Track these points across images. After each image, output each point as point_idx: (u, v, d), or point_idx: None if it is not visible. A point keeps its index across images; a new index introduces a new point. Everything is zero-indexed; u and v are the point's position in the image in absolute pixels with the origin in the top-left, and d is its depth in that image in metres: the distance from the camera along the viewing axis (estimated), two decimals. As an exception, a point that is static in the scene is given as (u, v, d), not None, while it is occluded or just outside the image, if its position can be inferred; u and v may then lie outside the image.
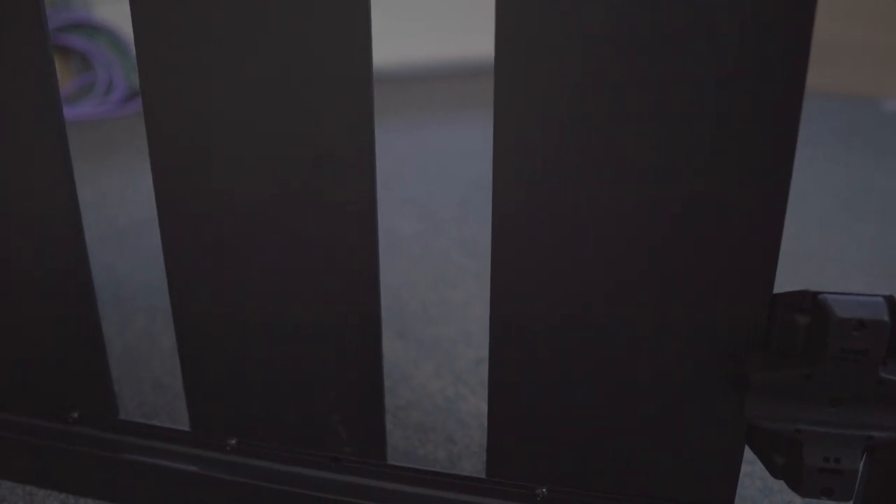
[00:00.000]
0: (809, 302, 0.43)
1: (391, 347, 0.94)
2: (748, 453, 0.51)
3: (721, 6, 0.40)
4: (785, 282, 1.21)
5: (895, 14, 2.90)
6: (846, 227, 1.41)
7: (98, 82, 2.65)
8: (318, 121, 0.49)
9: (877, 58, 2.96)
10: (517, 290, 0.49)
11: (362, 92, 0.48)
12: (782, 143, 0.42)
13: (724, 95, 0.41)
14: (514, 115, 0.45)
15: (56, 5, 2.67)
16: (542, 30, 0.43)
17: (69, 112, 2.56)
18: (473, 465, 0.71)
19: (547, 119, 0.45)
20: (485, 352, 0.71)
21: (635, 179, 0.45)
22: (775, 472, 0.48)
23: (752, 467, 0.68)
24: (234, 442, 0.61)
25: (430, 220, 1.46)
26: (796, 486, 0.46)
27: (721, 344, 0.47)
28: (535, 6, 0.42)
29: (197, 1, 0.48)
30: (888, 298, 0.42)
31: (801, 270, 1.19)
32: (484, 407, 0.78)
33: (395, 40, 3.67)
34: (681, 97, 0.42)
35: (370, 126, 0.49)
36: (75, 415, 0.65)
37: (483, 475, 0.56)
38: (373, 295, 0.53)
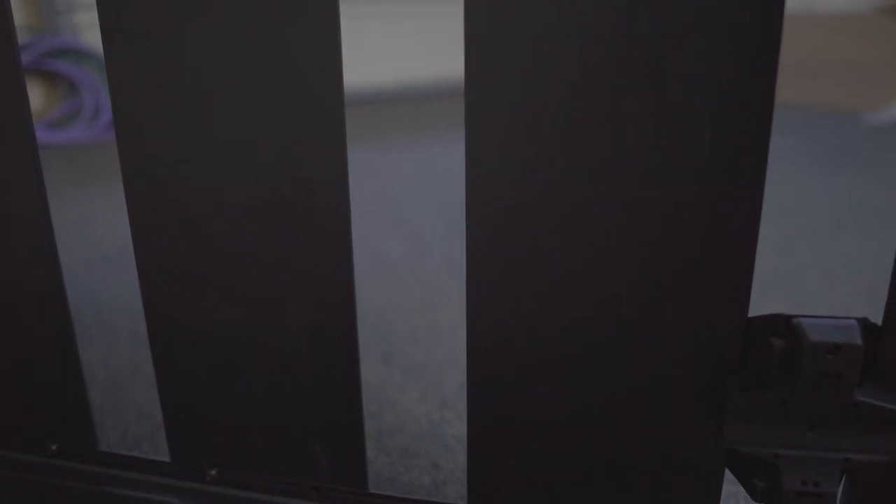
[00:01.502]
0: (783, 325, 0.44)
1: (376, 371, 0.94)
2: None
3: (693, 39, 0.40)
4: (770, 296, 1.21)
5: (874, 32, 2.95)
6: (831, 241, 1.42)
7: (85, 107, 2.65)
8: (292, 148, 0.49)
9: (858, 73, 3.00)
10: (494, 317, 0.49)
11: (334, 119, 0.48)
12: (752, 169, 0.42)
13: (692, 126, 0.42)
14: (485, 139, 0.45)
15: (44, 31, 2.68)
16: (512, 52, 0.43)
17: (56, 136, 2.56)
18: (458, 490, 0.70)
19: (517, 143, 0.45)
20: (468, 376, 0.71)
21: (608, 205, 0.45)
22: (755, 495, 0.48)
23: (735, 487, 0.68)
24: (214, 472, 0.61)
25: (418, 241, 1.47)
26: (776, 509, 0.46)
27: (698, 368, 0.47)
28: (504, 30, 0.43)
29: (170, 31, 0.49)
30: (862, 321, 0.42)
31: (786, 284, 1.20)
32: (469, 431, 0.78)
33: (387, 60, 3.70)
34: (651, 126, 0.43)
35: (343, 153, 0.49)
36: (54, 447, 0.64)
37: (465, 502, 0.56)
38: (350, 322, 0.53)
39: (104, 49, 0.50)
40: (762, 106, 0.41)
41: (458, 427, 0.81)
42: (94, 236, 1.54)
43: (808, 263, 1.30)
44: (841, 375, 0.41)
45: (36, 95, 2.75)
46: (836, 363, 0.41)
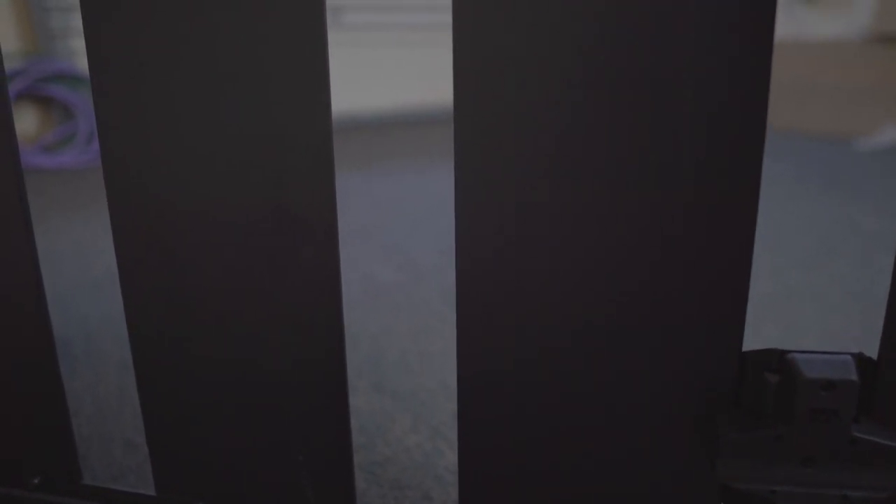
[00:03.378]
0: (778, 360, 0.43)
1: (368, 400, 0.93)
2: (725, 513, 0.50)
3: (683, 60, 0.40)
4: (764, 322, 1.21)
5: (863, 58, 2.98)
6: (825, 266, 1.42)
7: (79, 132, 2.65)
8: (279, 176, 0.49)
9: (848, 99, 3.03)
10: (483, 345, 0.49)
11: (322, 147, 0.48)
12: (745, 200, 0.42)
13: (682, 157, 0.42)
14: (475, 164, 0.45)
15: (39, 56, 2.69)
16: (501, 78, 0.43)
17: (50, 161, 2.56)
18: (450, 524, 0.69)
19: (506, 169, 0.45)
20: (460, 407, 0.70)
21: (599, 236, 0.44)
22: (752, 533, 0.47)
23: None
24: (200, 507, 0.59)
25: (411, 268, 1.46)
26: (773, 547, 0.45)
27: (691, 402, 0.46)
28: (492, 56, 0.43)
29: (157, 59, 0.48)
30: (857, 357, 0.42)
31: (779, 310, 1.19)
32: (461, 462, 0.77)
33: (378, 86, 3.72)
34: (642, 157, 0.42)
35: (331, 181, 0.48)
36: (36, 480, 0.63)
37: (456, 539, 0.55)
38: (339, 353, 0.52)
39: (91, 76, 0.50)
40: (753, 137, 0.41)
41: (449, 458, 0.80)
42: (85, 262, 1.53)
43: (802, 289, 1.30)
44: (837, 412, 0.41)
45: (30, 120, 2.75)
46: (831, 400, 0.40)
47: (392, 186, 2.21)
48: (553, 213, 0.45)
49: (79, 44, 2.79)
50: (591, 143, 0.43)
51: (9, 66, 2.62)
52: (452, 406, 0.91)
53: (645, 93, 0.41)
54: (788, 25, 3.62)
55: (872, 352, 1.05)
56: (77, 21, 2.76)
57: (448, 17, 3.77)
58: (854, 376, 0.40)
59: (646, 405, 0.47)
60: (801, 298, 1.26)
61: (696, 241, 0.43)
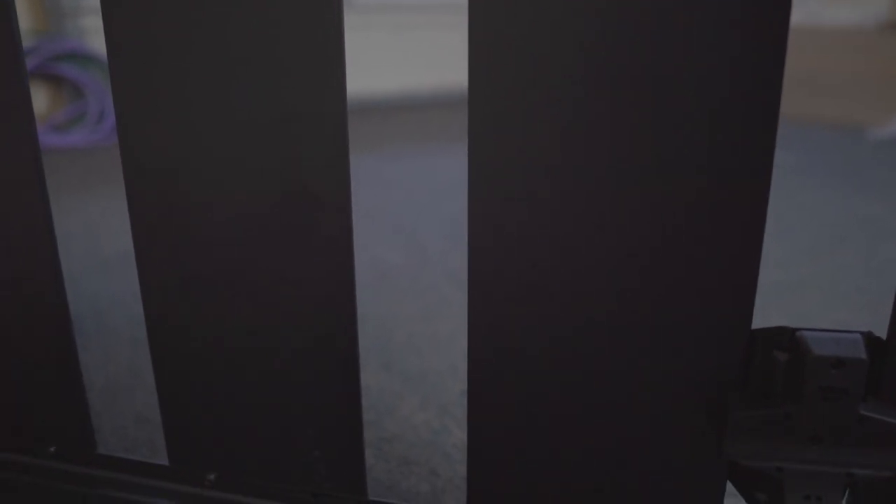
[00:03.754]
0: (788, 339, 0.43)
1: (376, 380, 0.93)
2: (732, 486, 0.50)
3: (696, 58, 0.41)
4: (772, 311, 1.20)
5: (878, 47, 2.95)
6: (833, 256, 1.42)
7: (90, 111, 2.66)
8: (294, 157, 0.49)
9: (861, 88, 3.01)
10: (494, 327, 0.49)
11: (337, 128, 0.48)
12: (755, 181, 0.42)
13: (695, 140, 0.42)
14: (488, 148, 0.45)
15: (50, 35, 2.69)
16: (515, 62, 0.43)
17: (60, 140, 2.57)
18: (457, 498, 0.70)
19: (520, 153, 0.45)
20: (469, 385, 0.70)
21: (611, 217, 0.45)
22: (757, 509, 0.47)
23: (737, 500, 0.67)
24: (213, 477, 0.60)
25: (419, 250, 1.46)
26: (778, 524, 0.45)
27: (700, 380, 0.47)
28: (507, 40, 0.43)
29: (174, 39, 0.49)
30: (866, 335, 0.42)
31: (788, 299, 1.20)
32: (469, 440, 0.77)
33: (393, 68, 3.71)
34: (655, 139, 0.42)
35: (345, 162, 0.49)
36: (52, 449, 0.64)
37: (465, 512, 0.56)
38: (350, 331, 0.53)
39: (108, 56, 0.50)
40: (766, 121, 0.41)
41: (457, 435, 0.80)
42: (96, 241, 1.54)
43: (810, 278, 1.30)
44: (845, 390, 0.41)
45: (41, 99, 2.75)
46: (840, 378, 0.41)
47: (401, 169, 2.21)
48: (565, 197, 0.45)
49: (89, 22, 2.79)
50: (605, 128, 0.43)
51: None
52: (460, 386, 0.91)
53: (659, 81, 0.41)
54: (802, 12, 3.59)
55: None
56: (88, 0, 2.75)
57: (461, 0, 3.75)
58: (863, 354, 0.41)
59: (655, 384, 0.48)
60: (808, 288, 1.26)
61: (708, 221, 0.43)
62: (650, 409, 0.49)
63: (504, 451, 0.53)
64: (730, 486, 0.69)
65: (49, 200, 0.57)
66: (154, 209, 0.54)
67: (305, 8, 0.46)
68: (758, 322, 1.12)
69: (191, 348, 0.57)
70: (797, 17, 3.57)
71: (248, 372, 0.56)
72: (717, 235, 0.43)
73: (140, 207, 0.54)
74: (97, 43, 2.82)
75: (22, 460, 0.65)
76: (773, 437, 0.45)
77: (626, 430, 0.50)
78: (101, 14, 0.50)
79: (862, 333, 0.42)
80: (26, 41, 2.64)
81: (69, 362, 0.61)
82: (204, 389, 0.58)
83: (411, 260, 1.40)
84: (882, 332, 1.08)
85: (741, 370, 0.46)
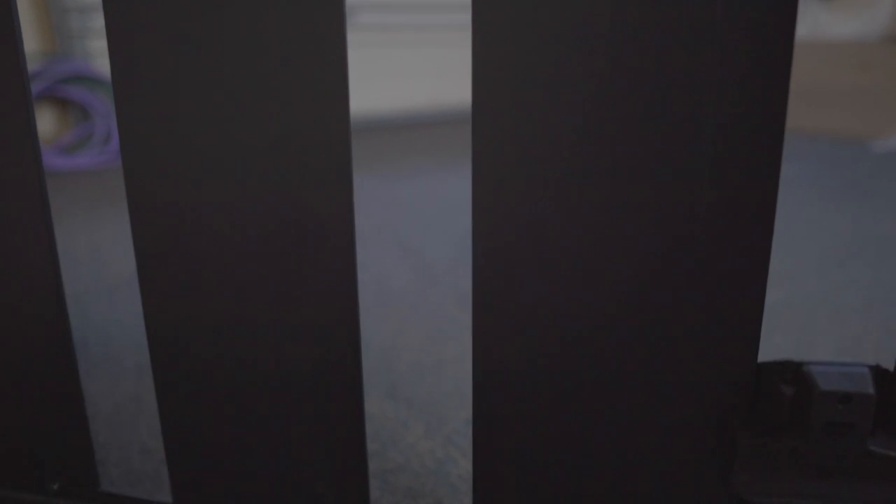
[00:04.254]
0: (793, 372, 0.43)
1: (381, 407, 0.93)
2: (740, 524, 0.49)
3: (700, 75, 0.40)
4: (778, 329, 1.19)
5: (880, 60, 2.95)
6: (840, 271, 1.41)
7: (96, 133, 2.68)
8: (298, 181, 0.49)
9: (864, 101, 3.00)
10: (500, 355, 0.49)
11: (341, 152, 0.48)
12: (762, 210, 0.42)
13: (700, 162, 0.42)
14: (492, 166, 0.45)
15: (57, 57, 2.72)
16: (519, 79, 0.43)
17: (67, 162, 2.58)
18: (463, 531, 0.69)
19: (524, 172, 0.45)
20: (474, 414, 0.70)
21: (616, 243, 0.44)
22: (767, 545, 0.47)
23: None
24: (216, 513, 0.60)
25: (425, 270, 1.46)
26: (788, 561, 0.45)
27: (706, 413, 0.46)
28: (511, 57, 0.43)
29: (177, 63, 0.49)
30: (874, 369, 0.42)
31: (794, 317, 1.19)
32: (475, 469, 0.77)
33: (396, 85, 3.73)
34: (658, 160, 0.42)
35: (349, 186, 0.49)
36: (56, 486, 0.63)
37: (470, 547, 0.55)
38: (354, 361, 0.53)
39: (113, 81, 0.50)
40: (771, 143, 0.41)
41: (463, 465, 0.80)
42: (102, 265, 1.54)
43: (817, 294, 1.29)
44: (853, 425, 0.41)
45: (48, 121, 2.78)
46: (847, 413, 0.40)
47: (406, 187, 2.21)
48: (570, 221, 0.45)
49: (97, 45, 2.82)
50: (608, 147, 0.43)
51: (27, 67, 2.65)
52: (466, 413, 0.91)
53: (664, 100, 0.41)
54: (805, 25, 3.59)
55: (888, 358, 1.05)
56: (96, 22, 2.78)
57: (463, 18, 3.77)
58: (871, 389, 0.40)
59: (661, 415, 0.47)
60: (815, 304, 1.25)
61: (712, 252, 0.43)
62: (656, 442, 0.48)
63: (509, 483, 0.52)
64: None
65: (53, 224, 0.57)
66: (157, 234, 0.54)
67: (308, 29, 0.46)
68: (764, 339, 1.11)
69: (194, 380, 0.57)
70: (799, 30, 3.57)
71: (252, 402, 0.56)
72: (721, 269, 0.43)
73: (143, 232, 0.54)
74: (104, 65, 2.85)
75: (25, 497, 0.65)
76: (780, 471, 0.44)
77: (632, 463, 0.49)
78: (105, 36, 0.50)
79: (869, 367, 0.42)
80: (34, 64, 2.67)
81: (73, 397, 0.61)
82: (208, 423, 0.58)
83: (417, 280, 1.40)
84: (892, 347, 1.07)
85: (747, 404, 0.45)
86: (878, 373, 0.43)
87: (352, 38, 3.55)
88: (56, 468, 0.63)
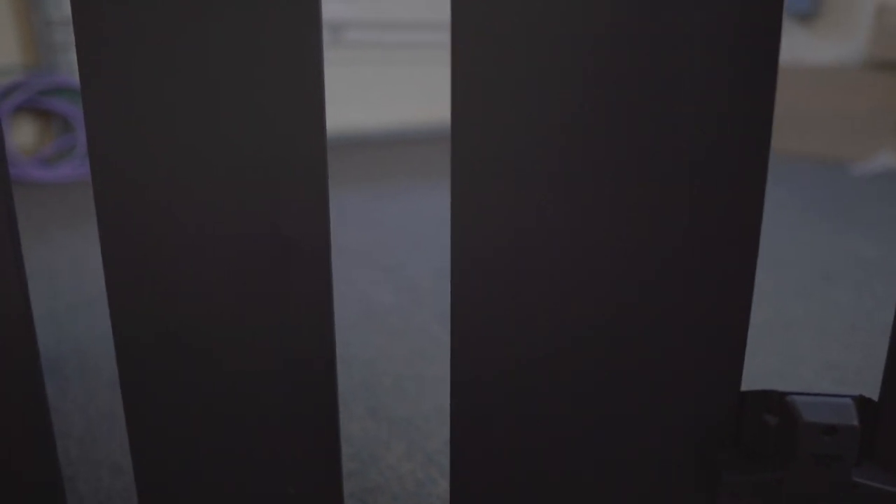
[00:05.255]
0: (777, 402, 0.42)
1: (361, 426, 0.91)
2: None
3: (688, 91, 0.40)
4: (761, 351, 1.20)
5: (860, 84, 3.00)
6: (822, 294, 1.41)
7: (78, 145, 2.65)
8: (271, 200, 0.48)
9: (845, 124, 3.05)
10: (478, 375, 0.48)
11: (316, 171, 0.47)
12: (746, 239, 0.41)
13: (683, 186, 0.41)
14: (472, 184, 0.44)
15: (40, 69, 2.69)
16: (499, 97, 0.43)
17: (48, 174, 2.55)
18: (443, 556, 0.68)
19: (504, 190, 0.44)
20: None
21: (596, 266, 0.44)
22: (750, 576, 0.46)
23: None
24: (188, 538, 0.58)
25: (408, 290, 1.45)
26: (772, 593, 0.44)
27: (690, 443, 0.46)
28: (491, 75, 0.42)
29: (148, 78, 0.48)
30: (858, 399, 0.41)
31: (777, 339, 1.19)
32: (455, 492, 0.75)
33: (382, 103, 3.73)
34: (640, 182, 0.42)
35: (324, 206, 0.48)
36: (22, 508, 0.61)
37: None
38: (329, 379, 0.51)
39: (82, 93, 0.49)
40: (755, 169, 0.40)
41: (442, 486, 0.78)
42: (82, 278, 1.52)
43: (800, 317, 1.29)
44: (838, 457, 0.40)
45: (29, 132, 2.75)
46: (832, 445, 0.40)
47: (390, 205, 2.20)
48: (549, 239, 0.44)
49: (80, 58, 2.80)
50: (588, 165, 0.42)
51: (9, 79, 2.63)
52: (446, 432, 0.89)
53: (643, 117, 0.41)
54: (785, 50, 3.64)
55: (872, 381, 1.05)
56: (79, 35, 2.77)
57: (449, 36, 3.79)
58: (855, 421, 0.40)
59: (644, 444, 0.46)
60: (798, 327, 1.25)
61: (695, 279, 0.42)
62: (639, 471, 0.47)
63: (487, 502, 0.51)
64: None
65: (19, 239, 0.56)
66: (127, 250, 0.52)
67: (284, 46, 0.45)
68: (748, 361, 1.11)
69: (164, 399, 0.55)
70: (781, 55, 3.62)
71: (223, 422, 0.55)
72: (705, 296, 0.43)
73: (112, 248, 0.52)
74: (87, 77, 2.83)
75: (-10, 519, 0.63)
76: (765, 501, 0.43)
77: (614, 491, 0.48)
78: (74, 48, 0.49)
79: (853, 398, 0.41)
80: (17, 76, 2.64)
81: (39, 415, 0.59)
82: (177, 443, 0.56)
83: (400, 299, 1.39)
84: (875, 369, 1.07)
85: (731, 433, 0.45)
86: (862, 403, 0.42)
87: (338, 55, 3.56)
88: (20, 490, 0.61)
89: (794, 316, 1.30)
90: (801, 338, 1.20)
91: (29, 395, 0.58)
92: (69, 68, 2.77)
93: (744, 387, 1.04)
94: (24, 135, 2.75)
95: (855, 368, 1.09)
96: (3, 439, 0.60)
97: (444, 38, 3.80)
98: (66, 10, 2.71)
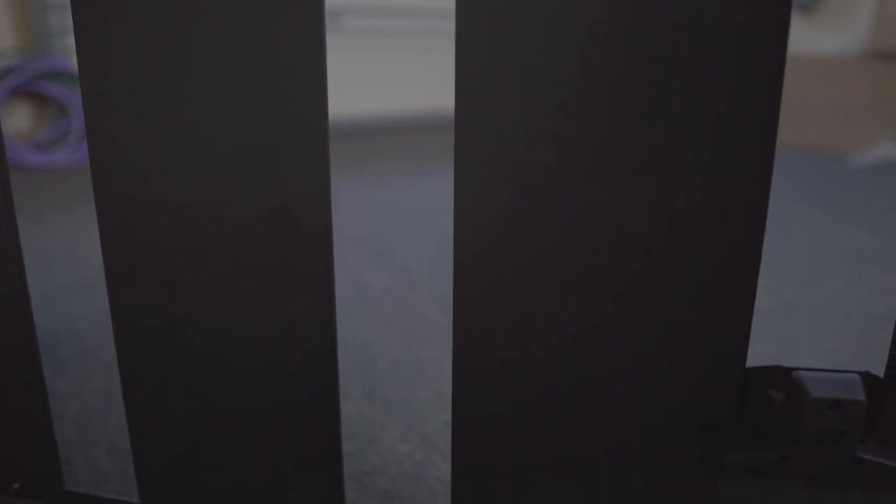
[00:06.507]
0: (782, 378, 0.42)
1: (358, 408, 0.91)
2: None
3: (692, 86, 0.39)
4: (759, 339, 1.20)
5: (859, 75, 3.00)
6: (819, 284, 1.41)
7: (74, 130, 2.64)
8: (274, 180, 0.48)
9: (843, 115, 3.04)
10: (480, 358, 0.48)
11: (318, 150, 0.47)
12: (753, 213, 0.41)
13: (687, 173, 0.41)
14: (475, 170, 0.44)
15: (36, 54, 2.67)
16: (503, 84, 0.42)
17: (44, 159, 2.54)
18: (441, 537, 0.67)
19: (507, 176, 0.44)
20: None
21: (600, 248, 0.43)
22: (752, 554, 0.46)
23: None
24: (185, 516, 0.58)
25: (404, 275, 1.45)
26: (774, 570, 0.44)
27: (693, 419, 0.45)
28: (494, 62, 0.42)
29: (150, 60, 0.47)
30: (864, 375, 0.41)
31: (775, 328, 1.19)
32: (453, 474, 0.75)
33: (380, 90, 3.71)
34: (646, 170, 0.41)
35: (326, 186, 0.47)
36: (16, 485, 0.61)
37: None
38: (330, 360, 0.51)
39: (80, 76, 0.49)
40: (763, 146, 0.40)
41: (442, 468, 0.78)
42: (78, 262, 1.51)
43: (797, 306, 1.29)
44: (843, 432, 0.40)
45: (24, 117, 2.73)
46: (838, 420, 0.39)
47: (388, 192, 2.20)
48: (554, 226, 0.44)
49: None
50: (592, 153, 0.42)
51: (4, 63, 2.60)
52: (445, 415, 0.89)
53: (649, 106, 0.40)
54: (786, 41, 3.63)
55: (867, 368, 1.05)
56: (74, 19, 2.74)
57: (448, 24, 3.77)
58: (862, 396, 0.39)
59: (646, 423, 0.46)
60: (795, 316, 1.25)
61: (701, 256, 0.42)
62: (641, 449, 0.47)
63: (488, 487, 0.51)
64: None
65: (16, 221, 0.55)
66: (126, 232, 0.52)
67: (287, 31, 0.45)
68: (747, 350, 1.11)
69: (162, 379, 0.55)
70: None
71: (223, 402, 0.54)
72: (710, 271, 0.42)
73: (111, 230, 0.52)
74: (83, 61, 2.81)
75: (-15, 496, 0.62)
76: (768, 478, 0.43)
77: (616, 469, 0.48)
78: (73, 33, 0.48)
79: (859, 373, 0.41)
80: (12, 59, 2.62)
81: (37, 394, 0.59)
82: (176, 424, 0.56)
83: (396, 284, 1.39)
84: (870, 358, 1.07)
85: (736, 409, 0.44)
86: (868, 379, 0.42)
87: (336, 42, 3.54)
88: (18, 467, 0.61)
89: (791, 304, 1.30)
90: (798, 326, 1.20)
91: (26, 377, 0.58)
92: (65, 52, 2.75)
93: (742, 373, 1.04)
94: (19, 119, 2.73)
95: (850, 356, 1.09)
96: (1, 420, 0.60)
97: (442, 25, 3.78)
98: (62, -7, 2.69)
